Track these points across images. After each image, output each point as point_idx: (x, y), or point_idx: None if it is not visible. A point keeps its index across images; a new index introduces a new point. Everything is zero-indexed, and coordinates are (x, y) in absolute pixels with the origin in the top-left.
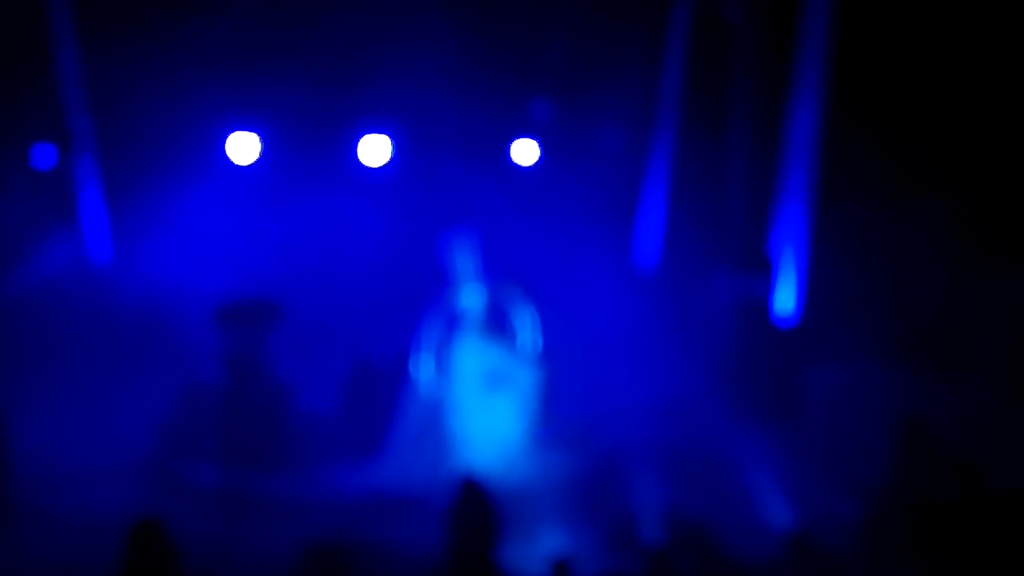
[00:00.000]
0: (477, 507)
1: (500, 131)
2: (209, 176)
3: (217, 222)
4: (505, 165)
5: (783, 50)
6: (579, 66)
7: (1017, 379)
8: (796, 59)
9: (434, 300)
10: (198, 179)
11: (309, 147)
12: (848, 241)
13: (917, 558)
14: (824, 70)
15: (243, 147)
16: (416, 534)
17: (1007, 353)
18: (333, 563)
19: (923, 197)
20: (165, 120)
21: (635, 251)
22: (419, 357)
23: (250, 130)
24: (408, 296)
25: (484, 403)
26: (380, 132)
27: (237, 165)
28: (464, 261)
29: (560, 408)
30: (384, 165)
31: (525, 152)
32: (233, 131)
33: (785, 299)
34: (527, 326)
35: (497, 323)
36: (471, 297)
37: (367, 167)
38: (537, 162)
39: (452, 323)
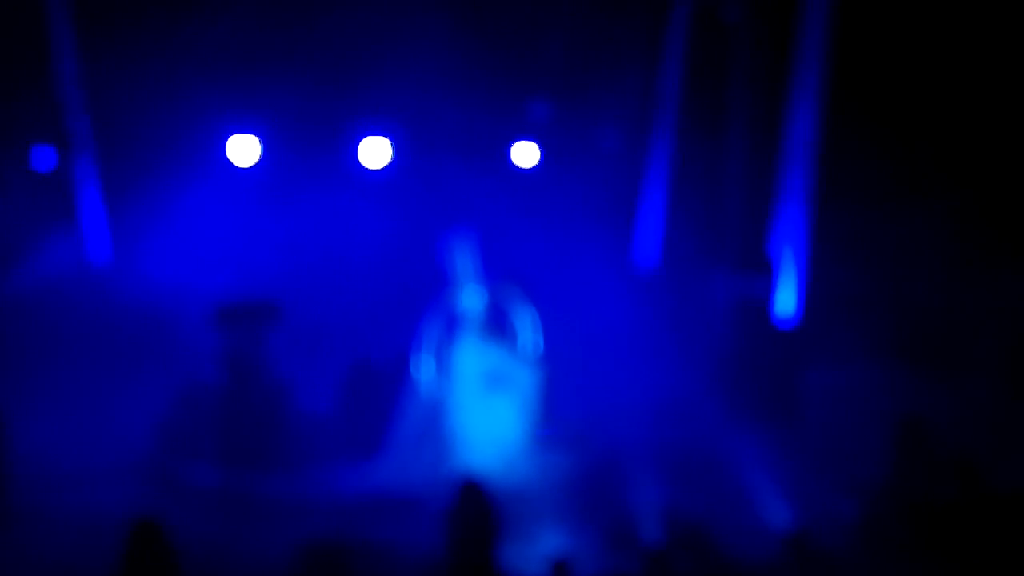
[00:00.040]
0: (477, 507)
1: (500, 132)
2: (209, 176)
3: (217, 222)
4: (505, 166)
5: (782, 50)
6: (578, 67)
7: (1017, 379)
8: (795, 59)
9: (434, 300)
10: (198, 179)
11: (309, 148)
12: (848, 241)
13: (916, 558)
14: (823, 70)
15: (243, 150)
16: (416, 534)
17: (1007, 353)
18: (332, 563)
19: (923, 197)
20: (165, 121)
21: (634, 252)
22: (419, 357)
23: (250, 131)
24: (408, 296)
25: (484, 403)
26: (380, 134)
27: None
28: (464, 262)
29: (560, 408)
30: (384, 166)
31: (525, 154)
32: (233, 132)
33: (784, 300)
34: (527, 327)
35: (497, 324)
36: (471, 298)
37: (367, 168)
38: (537, 163)
39: (452, 324)
